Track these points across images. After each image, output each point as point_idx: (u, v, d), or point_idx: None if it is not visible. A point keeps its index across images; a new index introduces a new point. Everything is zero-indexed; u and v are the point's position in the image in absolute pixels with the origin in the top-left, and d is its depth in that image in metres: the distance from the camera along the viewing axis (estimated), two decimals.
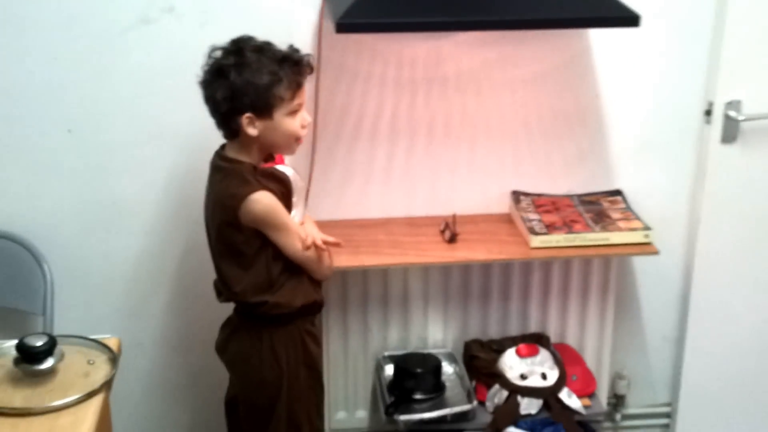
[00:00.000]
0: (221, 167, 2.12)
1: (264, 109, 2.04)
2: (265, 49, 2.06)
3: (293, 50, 2.10)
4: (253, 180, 2.08)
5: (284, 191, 2.13)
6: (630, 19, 2.25)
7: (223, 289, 2.20)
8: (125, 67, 2.45)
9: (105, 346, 1.93)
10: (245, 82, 2.01)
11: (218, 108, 2.06)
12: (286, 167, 2.20)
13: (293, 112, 2.08)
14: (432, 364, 2.59)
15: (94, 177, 2.53)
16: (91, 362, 1.89)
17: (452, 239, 2.54)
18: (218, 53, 2.07)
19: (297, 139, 2.13)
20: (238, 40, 2.08)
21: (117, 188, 2.55)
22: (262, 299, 2.13)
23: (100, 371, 1.87)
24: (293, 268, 2.16)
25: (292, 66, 2.06)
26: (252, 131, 2.05)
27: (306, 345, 2.23)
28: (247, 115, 2.03)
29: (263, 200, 2.06)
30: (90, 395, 1.80)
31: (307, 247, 2.15)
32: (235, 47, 2.06)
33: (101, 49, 2.42)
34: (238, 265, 2.14)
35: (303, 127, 2.12)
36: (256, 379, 2.20)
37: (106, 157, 2.52)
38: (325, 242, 2.19)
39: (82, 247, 2.58)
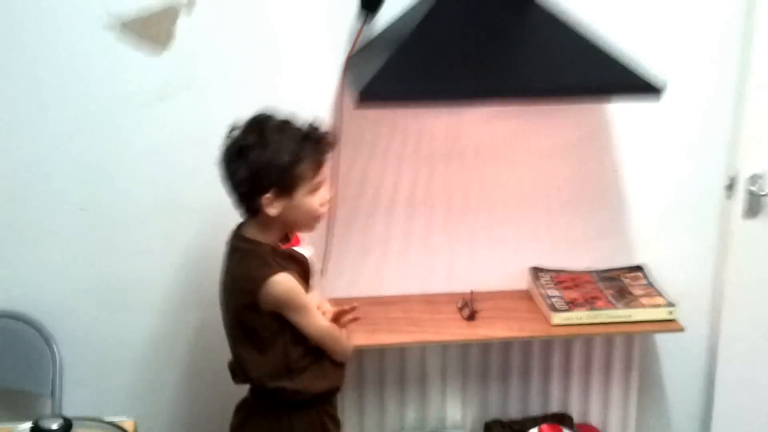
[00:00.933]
0: (239, 248, 2.08)
1: (285, 189, 2.01)
2: (285, 127, 2.03)
3: (314, 127, 2.07)
4: (273, 262, 2.04)
5: (303, 272, 2.10)
6: (655, 90, 2.19)
7: (240, 373, 2.14)
8: (140, 143, 2.44)
9: (121, 429, 1.87)
10: (266, 162, 1.98)
11: (238, 188, 2.03)
12: (304, 248, 2.17)
13: (314, 190, 2.05)
14: None
15: (106, 255, 2.50)
16: None
17: (471, 317, 2.50)
18: (237, 132, 2.04)
19: (317, 217, 2.10)
20: (257, 119, 2.05)
21: (129, 267, 2.52)
22: (281, 385, 2.08)
23: None
24: (314, 353, 2.11)
25: (313, 144, 2.03)
26: (272, 211, 2.02)
27: (327, 428, 2.17)
28: (268, 195, 2.00)
29: (284, 282, 2.02)
30: None
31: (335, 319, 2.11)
32: (255, 126, 2.03)
33: (116, 126, 2.42)
34: (255, 349, 2.08)
35: (323, 204, 2.09)
36: None
37: (118, 235, 2.49)
38: (343, 312, 2.14)
39: (93, 326, 2.54)
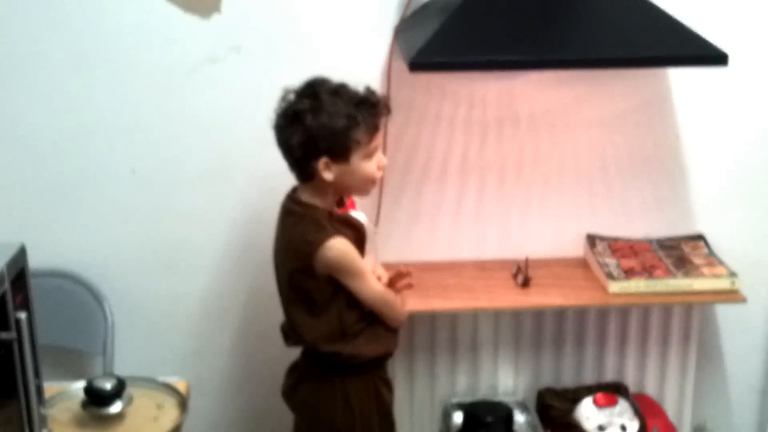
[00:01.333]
0: (294, 211, 2.06)
1: (341, 154, 1.98)
2: (340, 91, 1.99)
3: (369, 92, 2.03)
4: (329, 226, 2.02)
5: (358, 238, 2.08)
6: (718, 58, 2.14)
7: (293, 335, 2.13)
8: (191, 106, 2.42)
9: (174, 390, 1.87)
10: (321, 126, 1.95)
11: (293, 152, 1.99)
12: (359, 213, 2.15)
13: (369, 155, 2.02)
14: (503, 413, 2.47)
15: (158, 216, 2.50)
16: (160, 406, 1.83)
17: (525, 283, 2.45)
18: (292, 96, 2.01)
19: (373, 181, 2.07)
20: (312, 83, 2.02)
21: (180, 228, 2.51)
22: (335, 349, 2.06)
23: (169, 416, 1.82)
24: (368, 318, 2.09)
25: (369, 109, 1.99)
26: (328, 176, 1.99)
27: (380, 393, 2.16)
28: (324, 159, 1.97)
29: (339, 246, 2.00)
30: None
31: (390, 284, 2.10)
32: (310, 90, 2.00)
33: (167, 89, 2.41)
34: (309, 312, 2.07)
35: (380, 168, 2.06)
36: (328, 427, 2.12)
37: (170, 197, 2.49)
38: (399, 275, 2.12)
39: (144, 287, 2.54)
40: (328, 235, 1.99)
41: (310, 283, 2.02)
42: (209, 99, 2.41)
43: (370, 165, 2.02)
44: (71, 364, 2.53)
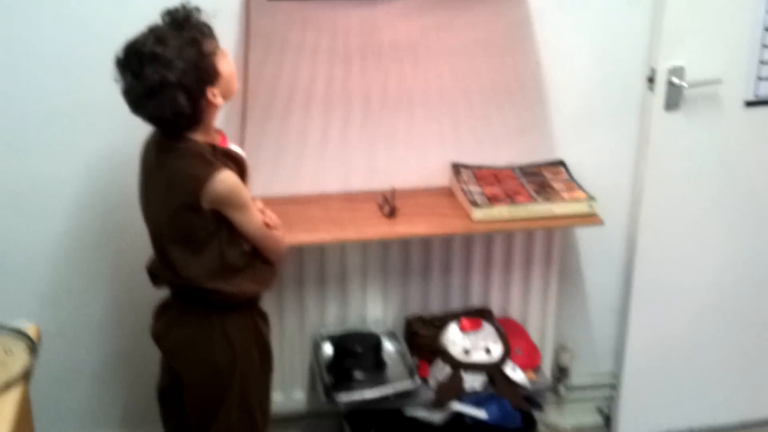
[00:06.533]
0: (175, 147, 1.99)
1: (213, 74, 1.95)
2: (166, 36, 1.91)
3: (171, 11, 1.96)
4: (214, 159, 1.98)
5: (240, 171, 2.05)
6: None
7: (167, 275, 2.07)
8: (40, 37, 2.30)
9: (23, 334, 1.81)
10: (182, 72, 1.88)
11: (183, 111, 1.92)
12: (235, 146, 2.11)
13: (216, 53, 1.98)
14: (372, 342, 2.52)
15: (9, 153, 2.38)
16: (9, 351, 1.77)
17: (392, 214, 2.46)
18: (132, 69, 1.91)
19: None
20: (135, 50, 1.91)
21: (33, 167, 2.40)
22: (216, 287, 2.04)
23: (18, 361, 1.76)
24: (248, 254, 2.08)
25: (189, 22, 1.95)
26: (219, 100, 1.97)
27: (258, 327, 2.16)
28: (208, 90, 1.94)
29: (228, 180, 1.97)
30: (7, 386, 1.68)
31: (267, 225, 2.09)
32: (148, 56, 1.89)
33: (11, 17, 2.27)
34: (188, 250, 2.02)
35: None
36: (208, 366, 2.09)
37: (20, 133, 2.37)
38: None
39: None
40: (215, 169, 1.96)
41: (195, 220, 1.99)
42: (61, 29, 2.30)
43: (224, 61, 2.00)
44: None
